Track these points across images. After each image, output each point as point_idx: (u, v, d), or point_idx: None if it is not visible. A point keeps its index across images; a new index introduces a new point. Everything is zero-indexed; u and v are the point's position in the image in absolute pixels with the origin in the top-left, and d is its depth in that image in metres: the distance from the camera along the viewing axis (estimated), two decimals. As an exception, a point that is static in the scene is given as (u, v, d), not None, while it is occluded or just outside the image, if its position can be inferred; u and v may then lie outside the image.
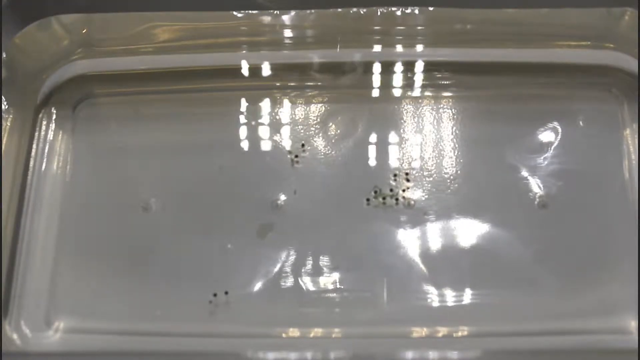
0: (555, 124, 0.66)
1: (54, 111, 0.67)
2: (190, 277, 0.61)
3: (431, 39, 0.67)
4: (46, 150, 0.66)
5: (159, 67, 0.68)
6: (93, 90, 0.68)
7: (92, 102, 0.68)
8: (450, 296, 0.60)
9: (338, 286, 0.61)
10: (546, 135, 0.65)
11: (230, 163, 0.65)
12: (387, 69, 0.67)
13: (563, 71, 0.67)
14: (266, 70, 0.68)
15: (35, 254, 0.63)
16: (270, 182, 0.64)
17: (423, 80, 0.67)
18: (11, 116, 0.64)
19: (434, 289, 0.60)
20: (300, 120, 0.67)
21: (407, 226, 0.62)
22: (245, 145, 0.66)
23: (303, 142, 0.66)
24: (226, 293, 0.61)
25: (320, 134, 0.66)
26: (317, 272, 0.61)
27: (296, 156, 0.65)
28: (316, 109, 0.67)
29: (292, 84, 0.68)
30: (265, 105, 0.67)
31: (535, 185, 0.63)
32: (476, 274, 0.61)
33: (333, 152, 0.65)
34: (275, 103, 0.67)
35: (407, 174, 0.64)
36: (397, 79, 0.67)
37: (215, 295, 0.61)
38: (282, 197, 0.64)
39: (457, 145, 0.65)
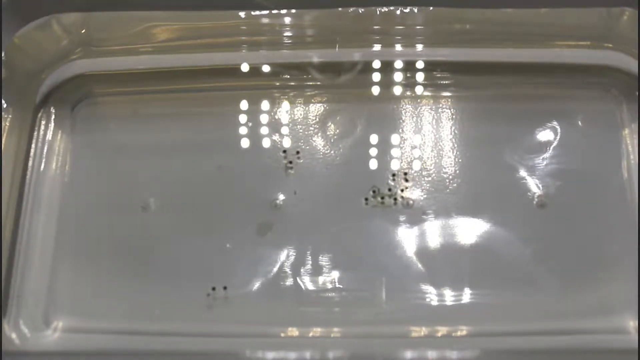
0: (555, 124, 0.65)
1: (53, 111, 0.67)
2: (189, 276, 0.62)
3: (431, 39, 0.67)
4: (45, 150, 0.66)
5: (158, 67, 0.68)
6: (92, 89, 0.68)
7: (91, 102, 0.68)
8: (449, 296, 0.60)
9: (337, 286, 0.61)
10: (545, 135, 0.65)
11: (229, 163, 0.65)
12: (387, 69, 0.67)
13: (563, 71, 0.66)
14: (265, 70, 0.68)
15: (34, 254, 0.63)
16: (269, 181, 0.64)
17: (422, 80, 0.67)
18: (10, 116, 0.64)
19: (432, 289, 0.60)
20: (299, 120, 0.67)
21: (406, 226, 0.62)
22: (244, 145, 0.66)
23: (302, 140, 0.66)
24: (225, 288, 0.61)
25: (319, 134, 0.66)
26: (315, 271, 0.61)
27: (289, 164, 0.65)
28: (315, 109, 0.67)
29: (291, 83, 0.68)
30: (265, 105, 0.67)
31: (534, 185, 0.63)
32: (475, 274, 0.61)
33: (332, 152, 0.65)
34: (274, 103, 0.67)
35: (405, 173, 0.64)
36: (397, 78, 0.67)
37: (213, 288, 0.61)
38: (281, 197, 0.64)
39: (456, 145, 0.65)
